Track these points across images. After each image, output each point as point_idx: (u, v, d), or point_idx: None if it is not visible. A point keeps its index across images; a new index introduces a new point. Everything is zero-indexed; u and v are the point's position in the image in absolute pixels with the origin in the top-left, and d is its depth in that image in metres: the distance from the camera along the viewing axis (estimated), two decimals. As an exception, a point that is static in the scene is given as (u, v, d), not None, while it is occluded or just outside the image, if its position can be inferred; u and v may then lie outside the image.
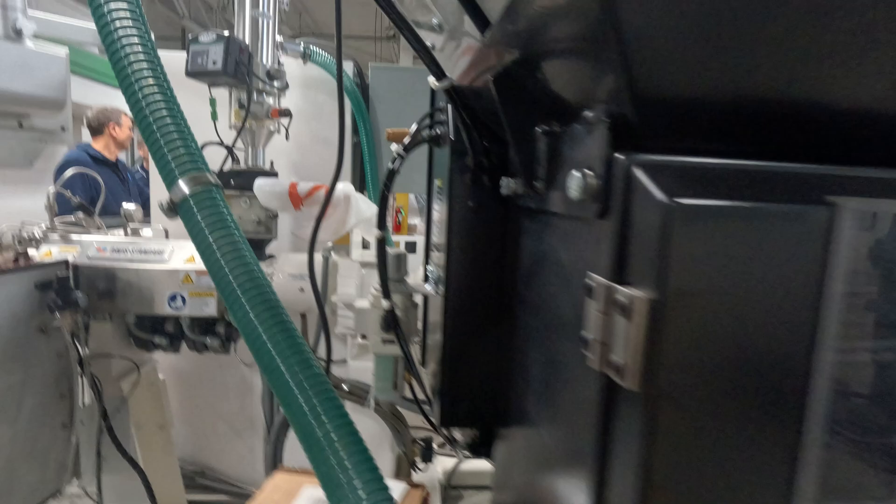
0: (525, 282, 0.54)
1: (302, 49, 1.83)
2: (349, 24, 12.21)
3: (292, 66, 1.90)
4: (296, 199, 1.59)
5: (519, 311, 0.57)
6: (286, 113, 1.66)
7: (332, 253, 1.71)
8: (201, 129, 2.12)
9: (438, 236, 0.76)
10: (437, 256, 0.78)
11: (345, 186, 1.60)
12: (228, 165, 1.72)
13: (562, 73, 0.40)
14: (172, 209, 0.66)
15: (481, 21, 0.45)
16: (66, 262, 1.61)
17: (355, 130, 2.11)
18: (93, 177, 4.05)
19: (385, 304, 0.86)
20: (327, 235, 1.61)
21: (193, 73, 1.56)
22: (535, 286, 0.50)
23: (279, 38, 1.74)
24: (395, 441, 1.81)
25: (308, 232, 1.67)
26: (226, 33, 1.55)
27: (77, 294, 1.53)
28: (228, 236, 0.64)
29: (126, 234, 2.14)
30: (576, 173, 0.33)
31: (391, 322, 0.85)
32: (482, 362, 0.61)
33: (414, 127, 0.83)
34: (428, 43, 0.62)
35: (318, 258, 1.75)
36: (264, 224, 1.72)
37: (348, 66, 2.01)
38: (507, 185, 0.56)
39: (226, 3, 10.30)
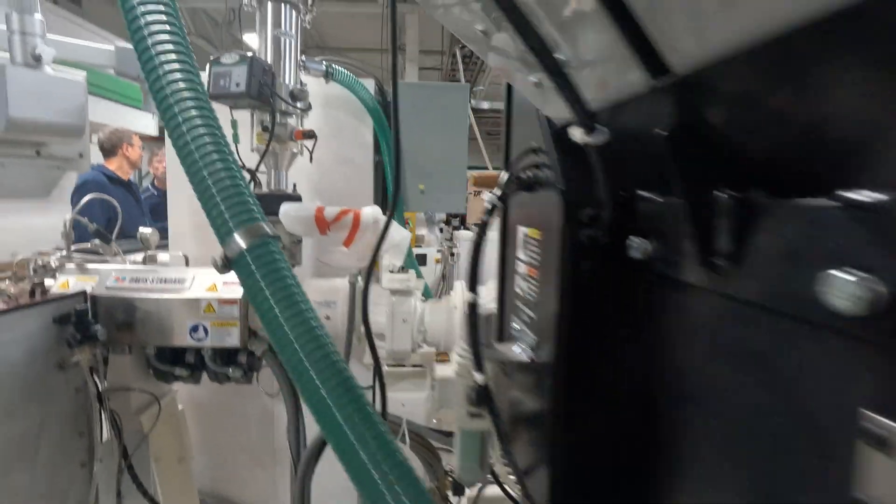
0: (675, 366, 0.45)
1: (324, 68, 1.77)
2: (355, 36, 12.27)
3: (312, 85, 1.84)
4: (322, 224, 1.52)
5: (663, 397, 0.47)
6: (310, 135, 1.60)
7: (360, 278, 1.64)
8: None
9: (531, 293, 0.67)
10: (530, 317, 0.67)
11: (373, 211, 1.53)
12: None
13: (800, 135, 0.31)
14: (226, 265, 0.59)
15: (654, 65, 0.36)
16: (83, 294, 1.55)
17: (375, 149, 2.05)
18: (109, 199, 4.01)
19: (478, 377, 0.72)
20: (355, 261, 1.54)
21: (215, 95, 1.50)
22: (702, 378, 0.40)
23: (301, 57, 1.69)
24: (427, 474, 1.73)
25: (336, 258, 1.61)
26: (249, 54, 1.50)
27: (96, 327, 1.47)
28: (289, 298, 0.57)
29: (144, 260, 2.09)
30: (841, 275, 0.25)
31: (483, 397, 0.72)
32: (597, 443, 0.53)
33: (504, 175, 0.71)
34: (532, 79, 0.55)
35: (343, 283, 1.68)
36: (288, 250, 1.66)
37: (369, 83, 1.96)
38: (640, 246, 0.48)
39: (232, 19, 10.38)
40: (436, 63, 13.40)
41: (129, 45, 2.06)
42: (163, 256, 2.27)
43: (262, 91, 1.49)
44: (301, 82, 1.65)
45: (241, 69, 1.46)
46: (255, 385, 1.82)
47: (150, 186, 4.70)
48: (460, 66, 7.01)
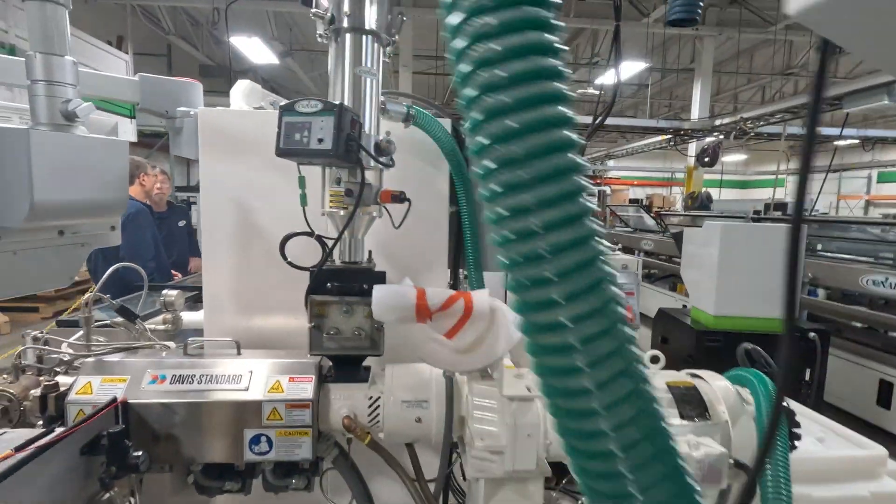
0: None
1: (405, 109, 1.46)
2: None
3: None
4: (424, 313, 1.22)
5: None
6: (401, 198, 1.29)
7: (457, 372, 1.34)
8: (281, 210, 1.67)
9: None
10: None
11: (489, 297, 1.23)
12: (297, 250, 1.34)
13: None
14: None
15: None
16: (114, 404, 1.20)
17: (452, 198, 1.74)
18: (150, 232, 3.64)
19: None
20: (465, 361, 1.23)
21: (289, 152, 1.18)
22: None
23: (381, 99, 1.38)
24: None
25: (438, 355, 1.30)
26: (336, 101, 1.18)
27: (137, 455, 1.13)
28: None
29: (165, 322, 1.74)
30: None
31: None
32: None
33: None
34: None
35: (433, 374, 1.38)
36: (369, 337, 1.34)
37: (446, 124, 1.65)
38: None
39: (215, 19, 9.87)
40: (428, 67, 13.12)
41: (155, 76, 1.71)
42: (190, 317, 1.92)
43: (350, 148, 1.17)
44: (387, 131, 1.34)
45: (325, 121, 1.14)
46: (316, 492, 1.50)
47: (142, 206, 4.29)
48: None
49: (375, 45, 1.31)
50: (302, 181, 1.31)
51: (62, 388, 1.29)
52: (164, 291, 1.77)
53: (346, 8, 1.25)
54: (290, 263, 1.38)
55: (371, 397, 1.36)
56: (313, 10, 1.23)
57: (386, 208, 1.35)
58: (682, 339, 4.32)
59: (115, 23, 9.80)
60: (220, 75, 12.35)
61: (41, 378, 1.36)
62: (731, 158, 23.26)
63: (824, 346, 3.85)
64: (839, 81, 11.99)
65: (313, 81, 14.39)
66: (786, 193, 22.22)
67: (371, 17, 1.28)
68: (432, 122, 1.54)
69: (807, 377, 3.93)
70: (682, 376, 1.40)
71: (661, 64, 11.34)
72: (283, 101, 1.84)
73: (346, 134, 1.16)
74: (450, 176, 1.70)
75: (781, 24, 9.12)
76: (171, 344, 1.60)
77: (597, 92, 13.59)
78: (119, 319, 1.47)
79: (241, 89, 2.07)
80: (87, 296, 1.32)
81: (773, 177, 23.36)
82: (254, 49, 9.77)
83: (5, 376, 1.36)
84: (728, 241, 3.80)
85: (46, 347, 1.35)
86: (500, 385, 1.23)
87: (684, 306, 6.06)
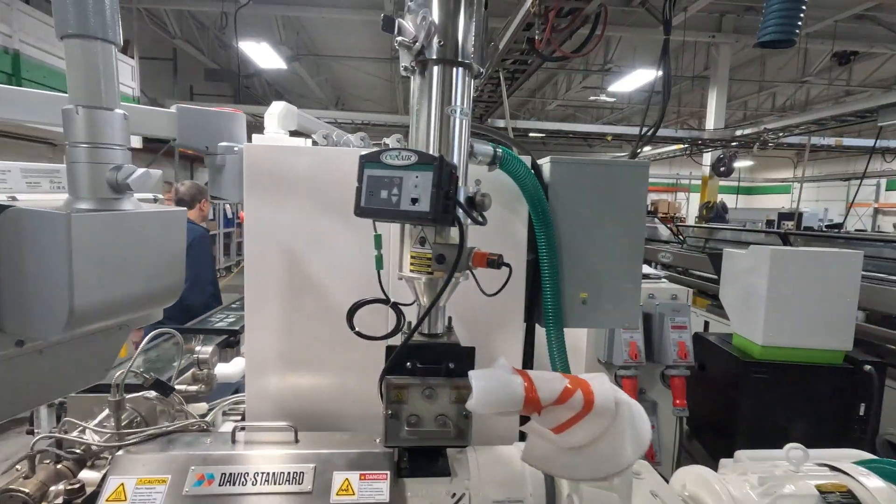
0: None
1: (492, 151, 1.24)
2: (350, 43, 11.67)
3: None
4: (533, 406, 1.00)
5: None
6: (498, 262, 1.07)
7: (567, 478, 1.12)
8: (336, 259, 1.44)
9: None
10: None
11: (615, 390, 1.01)
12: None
13: None
14: None
15: None
16: (156, 518, 0.99)
17: (530, 243, 1.53)
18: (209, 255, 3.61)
19: None
20: (584, 470, 1.01)
21: (373, 213, 0.97)
22: None
23: (473, 142, 1.16)
24: None
25: (549, 458, 1.08)
26: (420, 143, 0.97)
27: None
28: None
29: (197, 381, 1.53)
30: None
31: None
32: None
33: None
34: None
35: (527, 469, 1.16)
36: (455, 426, 1.12)
37: (527, 160, 1.44)
38: None
39: (223, 23, 9.66)
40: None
41: (194, 107, 1.49)
42: (224, 370, 1.71)
43: (448, 208, 0.96)
44: (476, 182, 1.12)
45: (421, 178, 0.92)
46: None
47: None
48: (503, 85, 6.50)
49: (467, 77, 1.09)
50: (378, 241, 1.10)
51: (88, 489, 1.07)
52: (197, 348, 1.55)
53: (437, 36, 1.04)
54: (358, 334, 1.16)
55: (454, 494, 1.14)
56: (399, 38, 1.02)
57: (472, 272, 1.14)
58: (724, 367, 4.09)
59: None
60: (225, 79, 12.16)
61: (60, 467, 1.15)
62: (737, 165, 23.12)
63: (881, 378, 3.64)
64: (874, 91, 11.81)
65: (319, 86, 14.18)
66: (791, 201, 22.07)
67: (466, 46, 1.06)
68: (517, 162, 1.32)
69: (861, 412, 3.72)
70: (827, 474, 1.18)
71: (674, 71, 11.15)
72: (336, 132, 1.63)
73: (445, 192, 0.94)
74: (528, 220, 1.49)
75: (801, 32, 8.93)
76: (211, 421, 1.38)
77: (609, 99, 13.42)
78: (151, 394, 1.25)
79: (277, 112, 1.86)
80: (117, 375, 1.10)
81: (780, 183, 23.19)
82: (261, 53, 9.56)
83: (18, 468, 1.14)
84: (778, 268, 3.58)
85: (67, 437, 1.12)
86: (624, 498, 1.01)
87: (706, 323, 5.84)
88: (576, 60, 11.08)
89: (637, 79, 10.37)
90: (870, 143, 11.33)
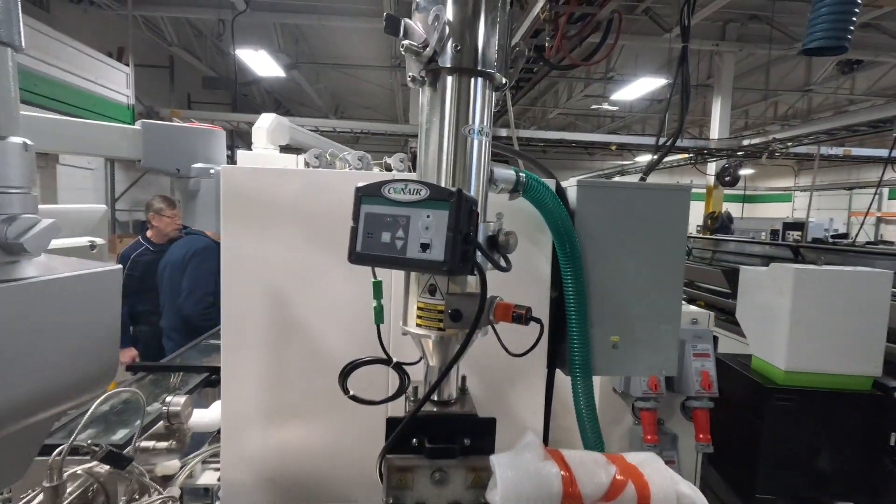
0: None
1: (514, 176, 1.04)
2: (350, 50, 11.54)
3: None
4: (573, 502, 0.79)
5: None
6: (526, 317, 0.87)
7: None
8: (328, 301, 1.25)
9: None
10: None
11: (673, 477, 0.81)
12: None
13: None
14: None
15: None
16: None
17: (553, 280, 1.32)
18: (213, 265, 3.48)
19: None
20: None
21: (373, 259, 0.77)
22: None
23: (492, 167, 0.96)
24: None
25: None
26: (431, 173, 0.77)
27: None
28: None
29: (169, 436, 1.32)
30: None
31: None
32: None
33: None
34: None
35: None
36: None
37: (551, 184, 1.24)
38: None
39: (221, 31, 9.51)
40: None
41: (162, 123, 1.29)
42: (200, 419, 1.50)
43: (468, 255, 0.75)
44: (498, 217, 0.92)
45: (434, 218, 0.72)
46: None
47: (141, 239, 3.87)
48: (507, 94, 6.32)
49: (487, 90, 0.90)
50: (378, 289, 0.89)
51: None
52: (168, 398, 1.34)
53: (452, 39, 0.84)
54: (353, 398, 0.95)
55: None
56: (405, 41, 0.82)
57: (493, 326, 0.93)
58: (744, 393, 3.88)
59: (116, 34, 9.43)
60: (223, 87, 12.00)
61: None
62: (740, 173, 22.99)
63: (914, 406, 3.44)
64: (875, 100, 11.68)
65: (318, 94, 14.04)
66: (793, 209, 21.93)
67: (488, 51, 0.87)
68: (542, 189, 1.12)
69: (892, 443, 3.52)
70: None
71: (674, 79, 11.02)
72: (331, 150, 1.43)
73: (465, 235, 0.74)
74: (552, 253, 1.29)
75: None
76: (182, 486, 1.17)
77: (612, 108, 13.30)
78: (104, 467, 1.03)
79: (266, 126, 1.66)
80: (56, 452, 0.89)
81: (781, 192, 23.06)
82: (259, 61, 9.41)
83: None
84: (802, 288, 3.39)
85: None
86: None
87: (715, 338, 5.61)
88: (577, 68, 10.95)
89: (640, 87, 10.24)
90: (878, 152, 11.19)
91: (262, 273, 1.20)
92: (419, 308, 0.88)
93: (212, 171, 1.18)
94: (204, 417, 1.54)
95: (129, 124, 6.08)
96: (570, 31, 3.17)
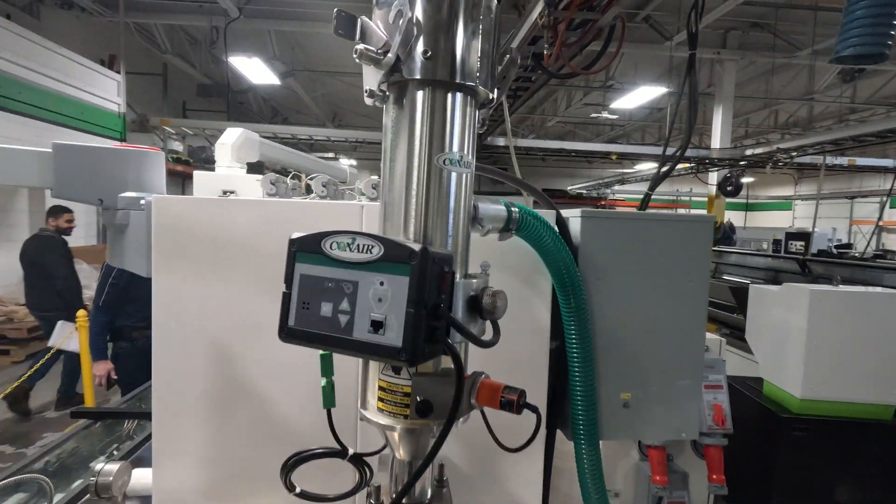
0: None
1: (505, 213, 0.84)
2: (344, 58, 11.48)
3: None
4: None
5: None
6: (516, 403, 0.66)
7: None
8: (280, 358, 1.00)
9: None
10: None
11: None
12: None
13: None
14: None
15: None
16: None
17: (553, 327, 1.12)
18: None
19: None
20: None
21: (307, 336, 0.57)
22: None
23: (476, 202, 0.76)
24: None
25: None
26: (414, 246, 0.56)
27: None
28: None
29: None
30: None
31: None
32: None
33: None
34: None
35: None
36: None
37: (548, 217, 1.04)
38: None
39: (214, 38, 9.36)
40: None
41: (79, 144, 1.08)
42: (139, 481, 1.28)
43: (436, 336, 0.55)
44: (483, 268, 0.72)
45: (390, 285, 0.52)
46: None
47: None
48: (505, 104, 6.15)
49: (469, 108, 0.70)
50: (327, 363, 0.69)
51: None
52: (97, 466, 1.13)
53: (422, 42, 0.64)
54: (301, 495, 0.75)
55: None
56: (361, 45, 0.63)
57: (482, 410, 0.72)
58: (755, 421, 3.67)
59: (108, 41, 9.28)
60: (218, 95, 11.84)
61: None
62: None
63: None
64: (876, 109, 11.56)
65: (315, 102, 13.89)
66: (793, 217, 21.77)
67: (468, 58, 0.67)
68: (540, 226, 0.92)
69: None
70: None
71: (681, 87, 10.90)
72: (289, 181, 1.23)
73: (432, 308, 0.54)
74: (551, 297, 1.09)
75: (808, 49, 8.67)
76: None
77: (612, 116, 13.18)
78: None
79: (231, 142, 1.46)
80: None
81: (781, 200, 22.91)
82: (253, 69, 9.26)
83: None
84: (818, 311, 3.19)
85: None
86: None
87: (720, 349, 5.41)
88: (576, 77, 10.81)
89: (640, 96, 10.10)
90: (882, 162, 11.05)
91: (202, 324, 1.00)
92: (381, 388, 0.67)
93: (142, 201, 0.97)
94: (140, 479, 1.32)
95: (121, 133, 5.88)
96: (569, 38, 3.00)
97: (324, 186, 1.08)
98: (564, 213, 1.13)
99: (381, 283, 0.53)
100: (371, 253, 0.54)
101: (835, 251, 10.33)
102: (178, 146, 10.87)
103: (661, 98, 11.18)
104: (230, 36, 8.65)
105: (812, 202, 22.23)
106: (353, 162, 17.88)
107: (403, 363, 0.52)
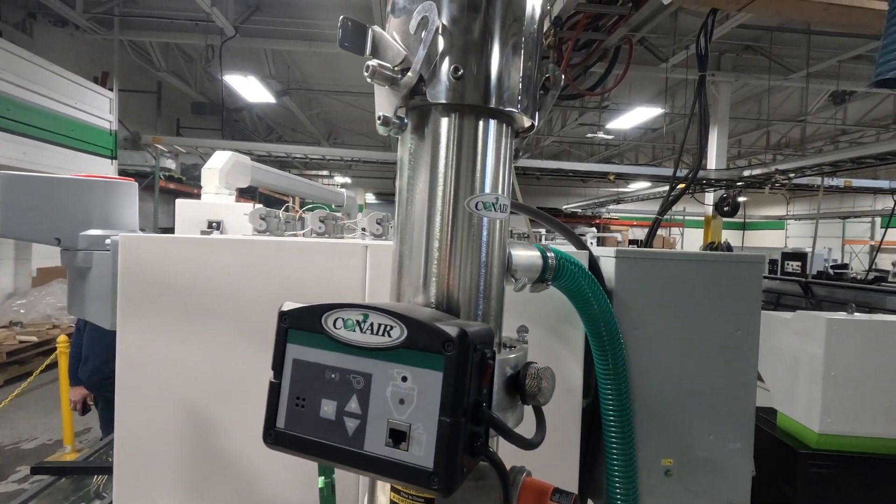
0: None
1: (541, 260, 0.70)
2: (341, 77, 11.42)
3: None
4: None
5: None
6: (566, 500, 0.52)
7: None
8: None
9: None
10: None
11: None
12: None
13: None
14: None
15: None
16: None
17: (586, 386, 0.98)
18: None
19: None
20: None
21: (303, 444, 0.42)
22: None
23: (509, 250, 0.63)
24: None
25: None
26: (447, 325, 0.42)
27: None
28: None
29: None
30: None
31: None
32: None
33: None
34: None
35: None
36: None
37: (582, 258, 0.90)
38: None
39: (209, 57, 9.30)
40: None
41: (28, 175, 0.92)
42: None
43: (475, 447, 0.41)
44: (520, 333, 0.58)
45: (419, 384, 0.38)
46: None
47: None
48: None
49: (505, 139, 0.57)
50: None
51: None
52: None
53: (450, 59, 0.51)
54: None
55: None
56: (372, 62, 0.50)
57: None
58: (771, 456, 3.51)
59: (103, 58, 9.20)
60: (212, 113, 11.76)
61: None
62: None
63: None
64: (866, 131, 11.70)
65: (310, 120, 13.85)
66: (786, 237, 21.86)
67: (508, 80, 0.54)
68: (579, 272, 0.78)
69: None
70: None
71: (670, 109, 10.98)
72: (283, 213, 1.09)
73: (472, 409, 0.40)
74: (584, 350, 0.94)
75: (802, 71, 8.76)
76: None
77: (608, 137, 13.24)
78: None
79: (220, 167, 1.33)
80: None
81: (774, 220, 23.03)
82: (249, 87, 9.20)
83: None
84: (835, 340, 3.06)
85: None
86: None
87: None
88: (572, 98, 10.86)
89: (635, 116, 10.15)
90: (877, 183, 11.13)
91: (174, 385, 0.84)
92: (393, 502, 0.52)
93: (108, 240, 0.83)
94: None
95: (112, 150, 5.70)
96: (573, 59, 2.92)
97: (321, 222, 0.94)
98: (595, 251, 1.00)
99: (404, 379, 0.39)
100: (390, 336, 0.40)
101: (831, 272, 10.30)
102: (170, 164, 10.76)
103: (655, 119, 11.24)
104: (226, 54, 8.60)
105: (803, 222, 22.37)
106: (348, 180, 17.80)
107: (436, 490, 0.38)
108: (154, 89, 11.01)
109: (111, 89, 8.60)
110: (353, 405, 0.41)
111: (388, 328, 0.40)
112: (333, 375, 0.41)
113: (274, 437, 0.43)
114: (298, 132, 15.20)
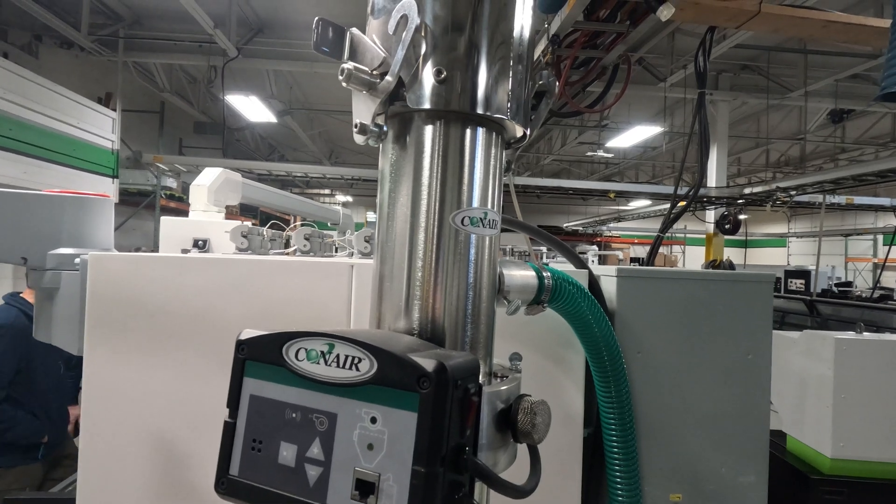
0: None
1: (535, 280, 0.65)
2: (347, 98, 11.59)
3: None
4: None
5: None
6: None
7: None
8: None
9: None
10: None
11: None
12: None
13: None
14: None
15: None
16: None
17: (587, 415, 0.91)
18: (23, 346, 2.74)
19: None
20: None
21: (254, 493, 0.36)
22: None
23: (501, 269, 0.58)
24: None
25: None
26: (421, 358, 0.37)
27: None
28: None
29: None
30: None
31: None
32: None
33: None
34: None
35: None
36: None
37: (579, 278, 0.85)
38: None
39: (212, 77, 9.41)
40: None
41: (7, 190, 0.89)
42: None
43: (457, 493, 0.35)
44: (513, 360, 0.52)
45: (389, 426, 0.33)
46: None
47: (9, 299, 2.62)
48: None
49: (494, 149, 0.52)
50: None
51: None
52: None
53: (434, 62, 0.47)
54: None
55: None
56: (348, 64, 0.46)
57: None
58: (781, 482, 3.39)
59: (107, 79, 9.31)
60: (214, 132, 11.85)
61: None
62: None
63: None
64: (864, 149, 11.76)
65: (312, 140, 13.95)
66: (787, 254, 21.76)
67: (498, 87, 0.50)
68: (578, 294, 0.73)
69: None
70: None
71: (669, 127, 11.04)
72: (266, 230, 1.04)
73: (452, 454, 0.34)
74: (585, 375, 0.88)
75: (800, 90, 8.81)
76: None
77: (607, 155, 13.31)
78: None
79: (208, 184, 1.29)
80: None
81: (775, 237, 22.98)
82: (251, 107, 9.29)
83: None
84: (846, 361, 2.98)
85: None
86: None
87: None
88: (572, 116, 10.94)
89: (634, 135, 10.21)
90: (879, 200, 11.11)
91: (144, 415, 0.78)
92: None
93: (77, 260, 0.78)
94: None
95: (113, 169, 5.69)
96: (572, 76, 2.92)
97: (306, 239, 0.89)
98: (595, 269, 0.94)
99: (374, 420, 0.34)
100: (358, 370, 0.34)
101: (836, 290, 10.20)
102: (172, 182, 10.80)
103: (654, 137, 11.29)
104: (228, 75, 8.70)
105: (804, 240, 22.30)
106: (350, 198, 17.84)
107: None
108: (157, 109, 11.13)
109: (114, 109, 8.68)
110: (315, 450, 0.35)
111: (356, 360, 0.35)
112: (294, 415, 0.36)
113: (226, 485, 0.38)
114: (300, 151, 15.30)
